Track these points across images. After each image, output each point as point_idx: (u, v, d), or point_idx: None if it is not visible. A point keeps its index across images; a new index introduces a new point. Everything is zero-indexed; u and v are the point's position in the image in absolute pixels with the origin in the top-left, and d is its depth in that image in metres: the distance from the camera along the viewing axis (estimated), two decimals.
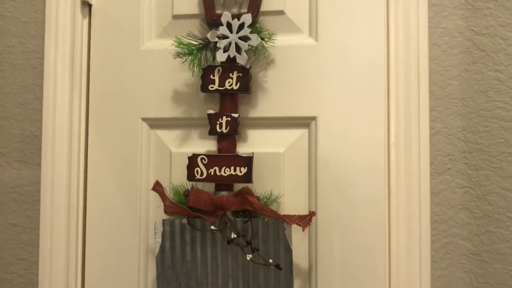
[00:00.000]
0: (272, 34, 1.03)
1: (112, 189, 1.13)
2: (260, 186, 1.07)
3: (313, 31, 1.08)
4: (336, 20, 1.06)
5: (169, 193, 1.04)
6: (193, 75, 1.09)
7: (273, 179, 1.08)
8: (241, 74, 1.02)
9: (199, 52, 1.04)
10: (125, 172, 1.13)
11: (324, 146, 1.05)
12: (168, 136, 1.13)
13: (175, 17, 1.13)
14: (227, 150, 1.03)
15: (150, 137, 1.13)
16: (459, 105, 1.04)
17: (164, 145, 1.12)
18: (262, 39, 1.02)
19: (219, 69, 1.02)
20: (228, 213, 1.01)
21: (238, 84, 1.02)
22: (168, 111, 1.12)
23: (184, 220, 1.02)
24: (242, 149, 1.08)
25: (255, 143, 1.09)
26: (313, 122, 1.07)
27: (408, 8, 1.06)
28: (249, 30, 1.00)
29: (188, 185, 1.04)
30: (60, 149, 1.15)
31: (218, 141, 1.04)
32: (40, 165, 1.16)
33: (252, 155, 1.02)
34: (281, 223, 0.99)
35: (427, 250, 1.03)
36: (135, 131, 1.13)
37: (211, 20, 1.05)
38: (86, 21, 1.17)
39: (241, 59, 1.00)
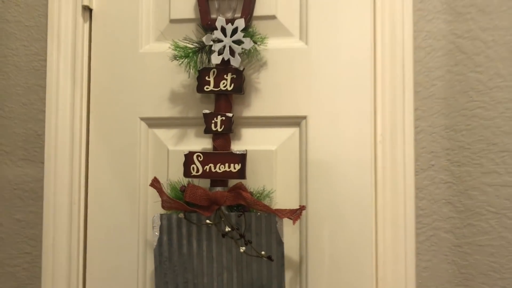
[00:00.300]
0: (264, 38, 1.06)
1: (112, 186, 1.15)
2: (253, 182, 1.08)
3: (304, 35, 1.10)
4: (325, 24, 1.08)
5: (166, 189, 1.06)
6: (189, 77, 1.11)
7: (265, 175, 1.09)
8: (235, 76, 1.04)
9: (195, 55, 1.06)
10: (125, 169, 1.14)
11: (314, 143, 1.08)
12: (166, 135, 1.14)
13: (172, 21, 1.14)
14: (221, 147, 1.05)
15: (148, 135, 1.15)
16: (442, 105, 1.07)
17: (161, 143, 1.14)
18: (255, 42, 1.04)
19: (214, 71, 1.04)
20: (223, 208, 1.03)
21: (232, 85, 1.04)
22: (165, 111, 1.13)
23: (181, 215, 1.03)
24: (236, 147, 1.10)
25: (248, 141, 1.11)
26: (304, 121, 1.09)
27: (394, 12, 1.08)
28: (242, 34, 1.02)
29: (185, 181, 1.06)
30: (62, 147, 1.16)
31: (213, 139, 1.06)
32: (43, 163, 1.17)
33: (245, 152, 1.03)
34: (273, 217, 1.01)
35: (412, 243, 1.05)
36: (134, 130, 1.14)
37: (207, 25, 1.06)
38: (87, 25, 1.18)
39: (235, 62, 1.03)
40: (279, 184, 1.10)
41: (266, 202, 1.04)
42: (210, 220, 1.02)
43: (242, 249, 1.00)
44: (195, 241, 1.04)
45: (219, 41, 1.03)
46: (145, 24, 1.16)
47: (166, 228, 1.04)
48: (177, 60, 1.07)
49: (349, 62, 1.08)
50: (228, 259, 1.03)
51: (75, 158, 1.16)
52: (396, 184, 1.06)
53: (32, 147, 1.20)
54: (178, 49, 1.06)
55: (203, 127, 1.05)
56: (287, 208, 1.02)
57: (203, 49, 1.06)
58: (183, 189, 1.03)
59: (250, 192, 1.04)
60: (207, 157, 1.04)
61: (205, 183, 1.06)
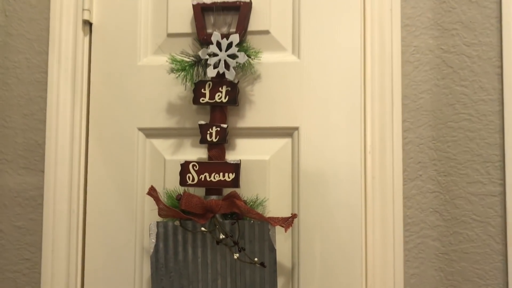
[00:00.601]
0: (258, 52, 1.08)
1: (110, 194, 1.16)
2: (247, 190, 1.10)
3: (296, 49, 1.12)
4: (317, 39, 1.11)
5: (163, 197, 1.07)
6: (185, 89, 1.13)
7: (259, 184, 1.11)
8: (229, 88, 1.06)
9: (191, 68, 1.08)
10: (122, 178, 1.16)
11: (306, 154, 1.10)
12: (163, 145, 1.16)
13: (170, 35, 1.17)
14: (216, 157, 1.07)
15: (146, 145, 1.17)
16: (430, 117, 1.10)
17: (158, 153, 1.16)
18: (249, 56, 1.07)
19: (209, 84, 1.06)
20: (217, 216, 1.04)
21: (227, 97, 1.06)
22: (162, 121, 1.15)
23: (177, 222, 1.05)
24: (231, 157, 1.12)
25: (242, 151, 1.13)
26: (296, 132, 1.11)
27: (383, 28, 1.11)
28: (237, 48, 1.05)
29: (181, 190, 1.07)
30: (62, 156, 1.18)
31: (209, 149, 1.08)
32: (43, 171, 1.19)
33: (239, 162, 1.06)
34: (266, 224, 1.03)
35: (400, 250, 1.08)
36: (132, 140, 1.16)
37: (203, 39, 1.09)
38: (87, 38, 1.20)
39: (230, 75, 1.05)
40: (272, 193, 1.12)
41: (259, 210, 1.06)
42: (205, 228, 1.04)
43: (236, 255, 1.02)
44: (190, 248, 1.06)
45: (215, 55, 1.06)
46: (143, 38, 1.18)
47: (163, 235, 1.06)
48: (174, 73, 1.09)
49: (340, 75, 1.10)
50: (223, 266, 1.05)
51: (75, 167, 1.18)
52: (385, 193, 1.09)
53: (33, 156, 1.21)
54: (175, 62, 1.09)
55: (199, 138, 1.07)
56: (280, 216, 1.03)
57: (199, 63, 1.09)
58: (179, 198, 1.05)
59: (243, 200, 1.06)
60: (203, 166, 1.05)
61: (200, 191, 1.08)
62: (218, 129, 1.07)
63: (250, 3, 1.11)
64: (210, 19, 1.12)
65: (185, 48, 1.14)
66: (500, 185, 1.06)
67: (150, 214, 1.14)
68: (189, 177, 1.06)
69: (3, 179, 1.22)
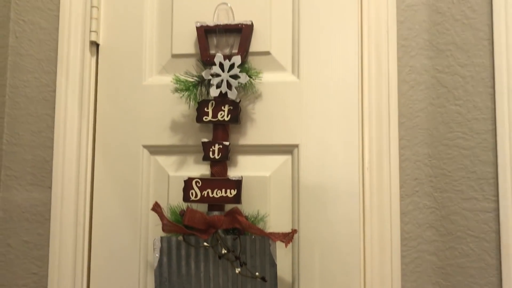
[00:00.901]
0: (259, 73, 1.11)
1: (115, 209, 1.18)
2: (248, 206, 1.12)
3: (296, 70, 1.15)
4: (315, 60, 1.14)
5: (166, 213, 1.09)
6: (189, 108, 1.16)
7: (260, 200, 1.13)
8: (231, 107, 1.09)
9: (194, 88, 1.11)
10: (127, 194, 1.18)
11: (305, 170, 1.12)
12: (166, 161, 1.18)
13: (174, 56, 1.20)
14: (219, 174, 1.09)
15: (150, 162, 1.19)
16: (425, 135, 1.12)
17: (162, 170, 1.18)
18: (250, 77, 1.09)
19: (212, 103, 1.09)
20: (220, 231, 1.06)
21: (229, 115, 1.09)
22: (166, 139, 1.18)
23: (180, 237, 1.07)
24: (233, 173, 1.14)
25: (244, 167, 1.15)
26: (296, 149, 1.14)
27: (380, 48, 1.14)
28: (239, 69, 1.07)
29: (184, 205, 1.09)
30: (69, 173, 1.20)
31: (211, 166, 1.10)
32: (50, 187, 1.21)
33: (241, 178, 1.08)
34: (266, 240, 1.04)
35: (398, 264, 1.10)
36: (136, 156, 1.19)
37: (206, 60, 1.12)
38: (94, 58, 1.23)
39: (232, 94, 1.08)
40: (273, 209, 1.14)
41: (260, 225, 1.07)
42: (207, 243, 1.06)
43: (238, 270, 1.03)
44: (193, 262, 1.08)
45: (217, 75, 1.09)
46: (149, 58, 1.21)
47: (166, 250, 1.08)
48: (178, 92, 1.12)
49: (338, 94, 1.13)
50: (224, 280, 1.07)
51: (81, 183, 1.21)
52: (382, 209, 1.11)
53: (40, 172, 1.24)
54: (179, 82, 1.12)
55: (202, 155, 1.10)
56: (280, 232, 1.05)
57: (203, 83, 1.11)
58: (182, 213, 1.07)
59: (245, 216, 1.07)
60: (205, 183, 1.08)
61: (203, 207, 1.10)
62: (221, 146, 1.09)
63: (252, 25, 1.14)
64: (213, 40, 1.15)
65: (189, 69, 1.17)
66: (494, 202, 1.08)
67: (154, 229, 1.16)
68: (192, 193, 1.08)
69: (11, 195, 1.24)
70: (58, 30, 1.25)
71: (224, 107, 1.10)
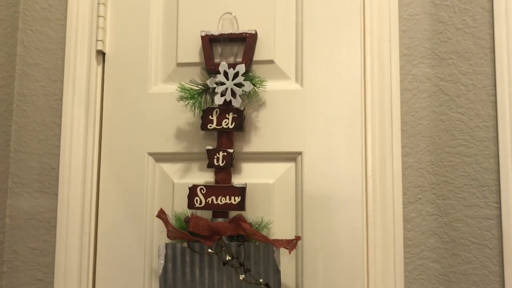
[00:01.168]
0: (263, 81, 1.12)
1: (120, 216, 1.19)
2: (252, 213, 1.13)
3: (299, 78, 1.16)
4: (319, 68, 1.15)
5: (171, 219, 1.10)
6: (194, 116, 1.17)
7: (263, 207, 1.14)
8: (236, 115, 1.10)
9: (199, 96, 1.12)
10: (133, 201, 1.19)
11: (309, 178, 1.13)
12: (171, 169, 1.20)
13: (179, 65, 1.21)
14: (223, 181, 1.10)
15: (155, 169, 1.20)
16: (428, 142, 1.13)
17: (167, 177, 1.20)
18: (254, 85, 1.10)
19: (217, 111, 1.10)
20: (224, 238, 1.07)
21: (234, 123, 1.10)
22: (171, 146, 1.19)
23: (185, 244, 1.08)
24: (237, 180, 1.15)
25: (248, 175, 1.16)
26: (299, 157, 1.14)
27: (382, 57, 1.15)
28: (243, 78, 1.08)
29: (189, 212, 1.10)
30: (75, 180, 1.21)
31: (216, 173, 1.11)
32: (57, 194, 1.22)
33: (245, 185, 1.09)
34: (270, 246, 1.05)
35: (401, 271, 1.10)
36: (142, 164, 1.20)
37: (211, 69, 1.13)
38: (100, 67, 1.25)
39: (236, 102, 1.09)
40: (276, 216, 1.14)
41: (264, 232, 1.08)
42: (212, 249, 1.07)
43: (242, 276, 1.04)
44: (197, 269, 1.08)
45: (222, 84, 1.10)
46: (154, 67, 1.23)
47: (171, 256, 1.08)
48: (183, 100, 1.13)
49: (341, 102, 1.14)
50: (229, 286, 1.07)
51: (87, 191, 1.22)
52: (385, 216, 1.12)
53: (47, 180, 1.25)
54: (184, 90, 1.13)
55: (206, 162, 1.11)
56: (284, 239, 1.06)
57: (207, 91, 1.13)
58: (187, 220, 1.08)
59: (249, 223, 1.08)
60: (210, 190, 1.09)
61: (207, 214, 1.11)
62: (225, 154, 1.10)
63: (256, 34, 1.16)
64: (218, 49, 1.17)
65: (194, 77, 1.19)
66: (496, 209, 1.09)
67: (159, 236, 1.17)
68: (196, 200, 1.09)
69: (18, 202, 1.26)
70: (65, 39, 1.27)
71: (229, 115, 1.11)
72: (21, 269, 1.24)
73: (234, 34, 1.15)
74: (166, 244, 1.09)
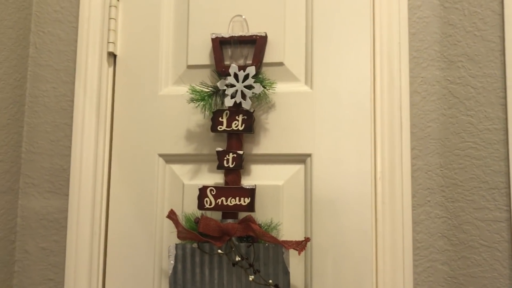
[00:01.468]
0: (273, 83, 1.13)
1: (131, 217, 1.20)
2: (262, 214, 1.13)
3: (309, 80, 1.17)
4: (328, 70, 1.16)
5: (181, 220, 1.10)
6: (204, 117, 1.18)
7: (273, 208, 1.14)
8: (245, 117, 1.11)
9: (210, 98, 1.13)
10: (143, 202, 1.20)
11: (318, 179, 1.13)
12: (181, 170, 1.20)
13: (189, 67, 1.22)
14: (233, 182, 1.11)
15: (166, 170, 1.21)
16: (437, 145, 1.13)
17: (177, 178, 1.20)
18: (264, 87, 1.11)
19: (227, 113, 1.11)
20: (233, 239, 1.07)
21: (243, 125, 1.10)
22: (182, 148, 1.19)
23: (195, 245, 1.08)
24: (246, 182, 1.15)
25: (257, 176, 1.17)
26: (309, 159, 1.15)
27: (392, 59, 1.15)
28: (253, 80, 1.09)
29: (198, 213, 1.10)
30: (85, 181, 1.22)
31: (225, 175, 1.12)
32: (67, 195, 1.23)
33: (254, 187, 1.09)
34: (280, 248, 1.05)
35: (410, 274, 1.10)
36: (152, 165, 1.20)
37: (221, 71, 1.14)
38: (111, 69, 1.26)
39: (246, 104, 1.10)
40: (286, 217, 1.15)
41: (273, 233, 1.08)
42: (221, 250, 1.07)
43: (251, 277, 1.05)
44: (207, 269, 1.09)
45: (232, 86, 1.10)
46: (165, 69, 1.24)
47: (181, 257, 1.09)
48: (194, 102, 1.14)
49: (351, 105, 1.15)
50: (238, 287, 1.08)
51: (97, 191, 1.23)
52: (394, 218, 1.12)
53: (58, 180, 1.26)
54: (194, 92, 1.13)
55: (216, 163, 1.11)
56: (293, 240, 1.06)
57: (217, 93, 1.14)
58: (197, 221, 1.08)
59: (258, 224, 1.08)
60: (219, 191, 1.09)
61: (217, 215, 1.11)
62: (235, 155, 1.11)
63: (266, 37, 1.17)
64: (228, 51, 1.17)
65: (204, 79, 1.19)
66: (506, 211, 1.09)
67: (169, 236, 1.18)
68: (206, 201, 1.10)
69: (29, 202, 1.27)
70: (77, 41, 1.28)
71: (238, 117, 1.11)
72: (32, 269, 1.25)
73: (245, 36, 1.15)
74: (176, 244, 1.10)
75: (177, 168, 1.21)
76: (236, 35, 1.16)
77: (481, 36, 1.14)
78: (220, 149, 1.12)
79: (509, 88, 1.10)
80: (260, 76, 1.13)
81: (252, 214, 1.09)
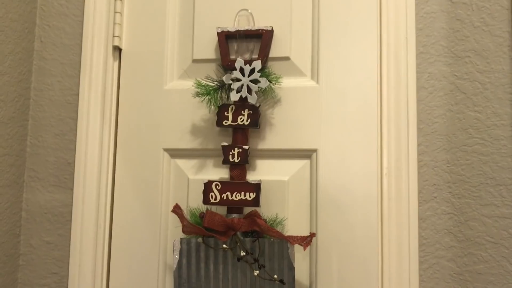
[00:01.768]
0: (279, 78, 1.12)
1: (135, 211, 1.20)
2: (267, 209, 1.14)
3: (315, 75, 1.17)
4: (335, 65, 1.15)
5: (186, 215, 1.10)
6: (209, 112, 1.18)
7: (278, 204, 1.14)
8: (251, 112, 1.10)
9: (215, 92, 1.12)
10: (148, 196, 1.20)
11: (324, 175, 1.13)
12: (186, 165, 1.20)
13: (195, 61, 1.22)
14: (238, 177, 1.10)
15: (171, 165, 1.21)
16: (444, 141, 1.13)
17: (182, 173, 1.20)
18: (270, 82, 1.11)
19: (232, 107, 1.11)
20: (238, 234, 1.07)
21: (249, 120, 1.10)
22: (187, 142, 1.19)
23: (199, 239, 1.08)
24: (251, 177, 1.15)
25: (263, 171, 1.16)
26: (314, 154, 1.15)
27: (399, 55, 1.14)
28: (259, 74, 1.08)
29: (204, 208, 1.10)
30: (90, 175, 1.22)
31: (230, 170, 1.11)
32: (72, 189, 1.23)
33: (260, 182, 1.09)
34: (285, 243, 1.05)
35: (415, 270, 1.10)
36: (157, 160, 1.20)
37: (227, 65, 1.13)
38: (116, 63, 1.26)
39: (252, 99, 1.09)
40: (291, 212, 1.15)
41: (278, 229, 1.07)
42: (226, 245, 1.06)
43: (256, 272, 1.04)
44: (212, 264, 1.09)
45: (238, 80, 1.10)
46: (170, 63, 1.23)
47: (186, 251, 1.09)
48: (199, 97, 1.13)
49: (357, 100, 1.14)
50: (243, 282, 1.08)
51: (102, 185, 1.22)
52: (400, 214, 1.11)
53: (63, 174, 1.26)
54: (200, 87, 1.13)
55: (221, 158, 1.11)
56: (298, 235, 1.06)
57: (223, 87, 1.13)
58: (202, 215, 1.08)
59: (263, 219, 1.08)
60: (225, 186, 1.09)
61: (222, 210, 1.11)
62: (240, 150, 1.10)
63: (272, 31, 1.16)
64: (234, 46, 1.17)
65: (210, 73, 1.19)
66: None
67: (173, 231, 1.18)
68: (212, 196, 1.09)
69: (34, 196, 1.27)
70: (82, 35, 1.28)
71: (244, 112, 1.11)
72: (36, 263, 1.26)
73: (251, 30, 1.15)
74: (181, 239, 1.10)
75: (182, 162, 1.21)
76: (242, 29, 1.15)
77: (489, 31, 1.13)
78: (225, 143, 1.12)
79: None
80: (266, 70, 1.13)
81: (257, 209, 1.09)
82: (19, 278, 1.26)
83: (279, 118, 1.17)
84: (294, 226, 1.14)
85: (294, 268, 1.06)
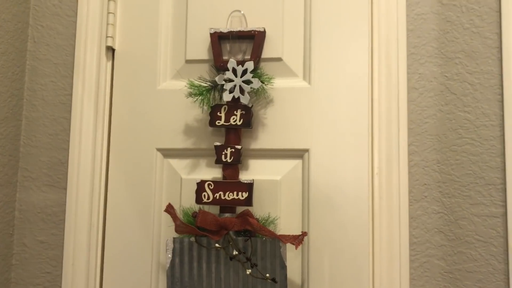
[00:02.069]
0: (271, 78, 1.13)
1: (128, 211, 1.20)
2: (259, 209, 1.14)
3: (307, 76, 1.17)
4: (327, 66, 1.16)
5: (179, 214, 1.11)
6: (202, 112, 1.18)
7: (270, 203, 1.15)
8: (244, 112, 1.11)
9: (208, 93, 1.12)
10: (141, 196, 1.20)
11: (315, 174, 1.14)
12: (179, 164, 1.20)
13: (188, 61, 1.22)
14: (231, 177, 1.11)
15: (164, 165, 1.21)
16: (434, 141, 1.14)
17: (175, 172, 1.20)
18: (262, 82, 1.11)
19: (225, 107, 1.11)
20: (231, 233, 1.08)
21: (242, 120, 1.10)
22: (180, 142, 1.20)
23: (192, 239, 1.09)
24: (244, 176, 1.16)
25: (255, 171, 1.17)
26: (306, 154, 1.15)
27: (390, 56, 1.16)
28: (251, 75, 1.09)
29: (196, 207, 1.11)
30: (84, 175, 1.22)
31: (223, 169, 1.12)
32: (65, 188, 1.24)
33: (252, 181, 1.10)
34: (277, 242, 1.06)
35: (406, 269, 1.11)
36: (150, 159, 1.21)
37: (219, 66, 1.14)
38: (109, 63, 1.26)
39: (244, 99, 1.10)
40: (283, 212, 1.15)
41: (271, 228, 1.08)
42: (219, 244, 1.07)
43: (248, 271, 1.05)
44: (205, 263, 1.09)
45: (230, 81, 1.10)
46: (163, 63, 1.24)
47: (178, 251, 1.09)
48: (192, 97, 1.14)
49: (349, 100, 1.15)
50: (235, 281, 1.08)
51: (95, 185, 1.23)
52: (391, 213, 1.12)
53: (56, 174, 1.26)
54: (193, 87, 1.13)
55: (214, 158, 1.11)
56: (290, 234, 1.07)
57: (216, 88, 1.13)
58: (195, 215, 1.09)
59: (256, 218, 1.09)
60: (217, 185, 1.10)
61: (215, 209, 1.12)
62: (233, 150, 1.11)
63: (264, 32, 1.17)
64: (226, 46, 1.18)
65: (203, 74, 1.20)
66: (502, 207, 1.10)
67: (166, 230, 1.18)
68: (204, 195, 1.10)
69: (27, 195, 1.27)
70: (75, 35, 1.28)
71: (237, 112, 1.11)
72: (29, 262, 1.26)
73: (243, 31, 1.16)
74: (174, 238, 1.10)
75: (175, 162, 1.22)
76: (234, 30, 1.16)
77: (479, 33, 1.14)
78: (218, 143, 1.12)
79: (506, 85, 1.10)
80: (258, 71, 1.14)
81: (249, 208, 1.10)
82: (12, 278, 1.26)
83: (272, 118, 1.17)
84: (286, 225, 1.15)
85: (286, 266, 1.06)
